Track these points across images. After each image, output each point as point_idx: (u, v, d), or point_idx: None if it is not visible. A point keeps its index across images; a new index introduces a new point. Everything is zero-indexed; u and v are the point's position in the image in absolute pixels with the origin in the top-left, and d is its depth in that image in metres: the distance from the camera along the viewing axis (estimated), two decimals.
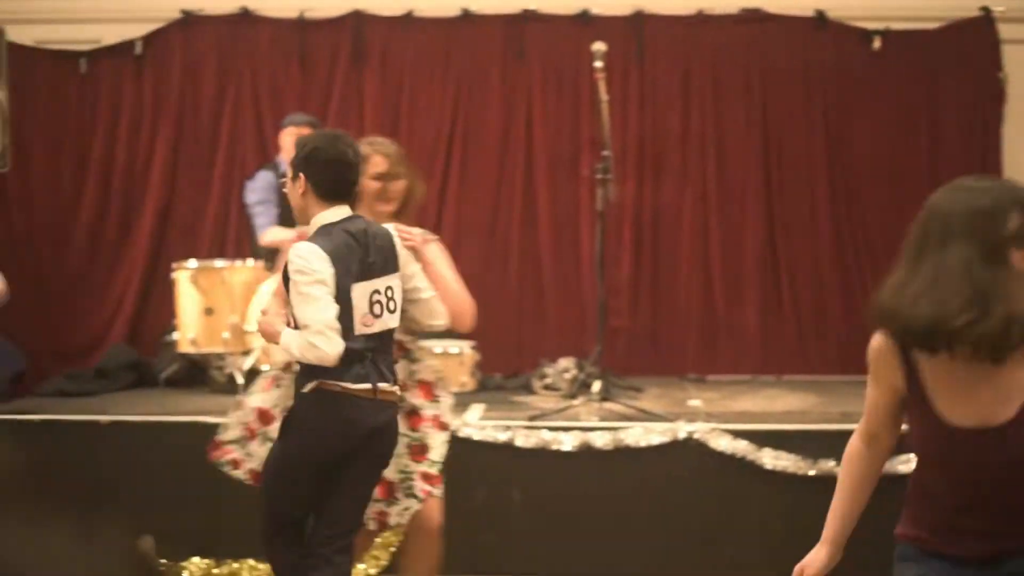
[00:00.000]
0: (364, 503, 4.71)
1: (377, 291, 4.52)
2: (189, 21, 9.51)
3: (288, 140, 7.99)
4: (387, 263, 4.61)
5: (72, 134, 9.54)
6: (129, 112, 9.52)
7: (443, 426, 5.02)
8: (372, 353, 4.51)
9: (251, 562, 6.49)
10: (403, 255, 4.74)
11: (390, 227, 4.75)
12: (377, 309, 4.51)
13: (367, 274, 4.49)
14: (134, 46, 9.49)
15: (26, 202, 9.48)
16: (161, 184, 9.48)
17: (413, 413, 4.95)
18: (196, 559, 6.55)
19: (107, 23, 9.48)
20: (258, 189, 8.18)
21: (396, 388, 4.62)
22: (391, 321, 4.59)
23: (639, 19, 9.38)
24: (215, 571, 6.53)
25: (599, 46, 7.51)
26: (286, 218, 7.93)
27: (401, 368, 4.81)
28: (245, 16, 9.49)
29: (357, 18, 9.46)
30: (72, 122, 9.54)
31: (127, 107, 9.53)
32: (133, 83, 9.54)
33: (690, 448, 6.50)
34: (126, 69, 9.53)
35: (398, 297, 4.63)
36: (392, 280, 4.61)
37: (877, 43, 9.35)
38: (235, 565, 6.51)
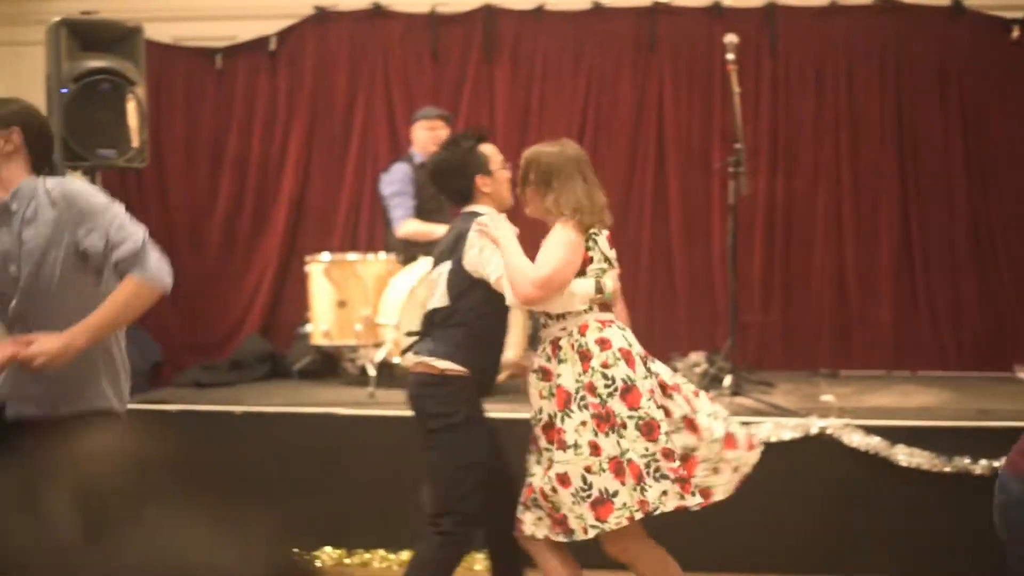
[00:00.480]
0: None
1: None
2: (322, 17, 9.62)
3: (421, 134, 8.04)
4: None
5: (208, 130, 9.70)
6: (263, 107, 9.67)
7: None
8: None
9: (382, 552, 6.55)
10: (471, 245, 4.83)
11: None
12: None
13: None
14: (268, 42, 9.62)
15: (163, 197, 9.68)
16: (295, 178, 9.61)
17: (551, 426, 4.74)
18: (328, 548, 6.63)
19: (242, 20, 9.62)
20: (394, 181, 8.23)
21: None
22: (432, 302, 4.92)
23: (771, 10, 9.29)
24: (347, 561, 6.60)
25: (731, 38, 7.45)
26: (422, 210, 7.98)
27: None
28: (377, 11, 9.57)
29: (488, 12, 9.50)
30: (208, 118, 9.70)
31: (262, 103, 9.67)
32: (267, 79, 9.68)
33: (822, 444, 6.43)
34: (261, 65, 9.68)
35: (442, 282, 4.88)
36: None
37: (1015, 32, 9.15)
38: (366, 555, 6.57)
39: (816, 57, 9.34)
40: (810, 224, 9.33)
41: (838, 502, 6.42)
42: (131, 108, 7.25)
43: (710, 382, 7.61)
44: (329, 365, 8.46)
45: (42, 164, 4.50)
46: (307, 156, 9.65)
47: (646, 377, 4.64)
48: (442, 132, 7.90)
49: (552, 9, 9.47)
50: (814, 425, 6.45)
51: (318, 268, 8.14)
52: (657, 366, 4.77)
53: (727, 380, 7.28)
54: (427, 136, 7.97)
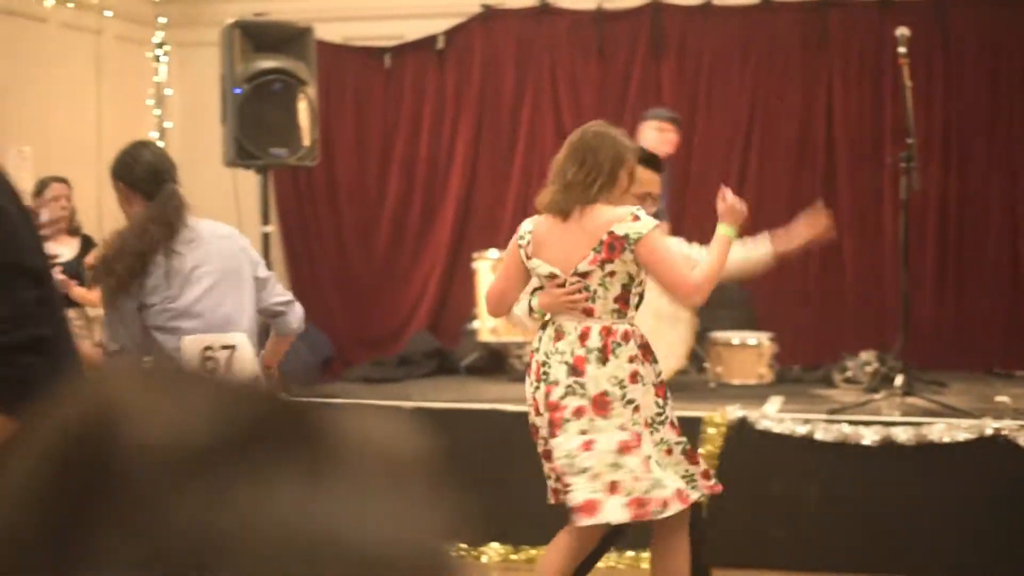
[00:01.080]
0: None
1: None
2: (489, 15, 9.67)
3: (650, 134, 7.81)
4: None
5: (377, 128, 9.82)
6: (431, 106, 9.75)
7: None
8: None
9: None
10: None
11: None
12: None
13: None
14: (436, 41, 9.71)
15: (333, 194, 9.83)
16: (462, 176, 9.68)
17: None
18: (495, 544, 6.66)
19: (410, 19, 9.72)
20: None
21: None
22: None
23: (943, 3, 9.09)
24: (512, 557, 6.63)
25: (903, 31, 7.30)
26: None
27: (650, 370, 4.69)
28: (544, 9, 9.59)
29: (655, 8, 9.45)
30: (377, 116, 9.82)
31: (429, 101, 9.76)
32: (435, 77, 9.76)
33: (997, 446, 6.27)
34: (429, 63, 9.77)
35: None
36: None
37: None
38: (532, 552, 6.59)
39: (989, 49, 9.12)
40: (983, 219, 9.11)
41: (1013, 505, 6.26)
42: (302, 107, 7.39)
43: (881, 381, 7.48)
44: (496, 361, 8.50)
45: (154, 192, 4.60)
46: (474, 154, 9.71)
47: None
48: (671, 135, 7.81)
49: (720, 4, 9.39)
50: (989, 426, 6.30)
51: (486, 265, 8.19)
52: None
53: (899, 380, 7.14)
54: (656, 137, 7.80)
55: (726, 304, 7.85)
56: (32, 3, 8.83)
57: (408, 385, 8.09)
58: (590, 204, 4.49)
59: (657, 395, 4.58)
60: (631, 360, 4.49)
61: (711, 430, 6.38)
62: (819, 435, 6.39)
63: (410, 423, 0.74)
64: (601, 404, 4.44)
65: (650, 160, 4.94)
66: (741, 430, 6.41)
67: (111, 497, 0.63)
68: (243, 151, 7.27)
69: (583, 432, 4.46)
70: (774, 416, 6.58)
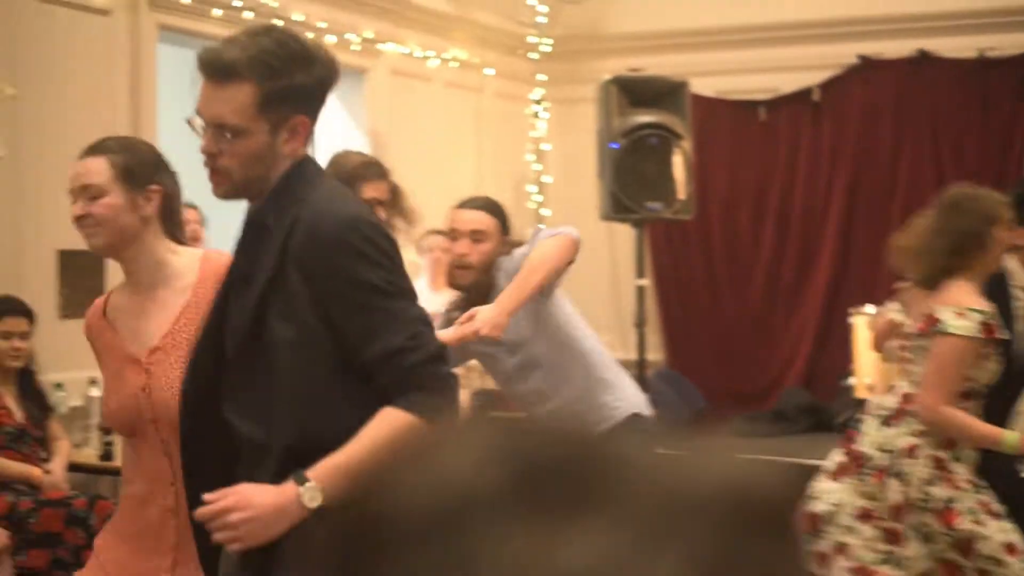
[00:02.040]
0: None
1: None
2: (866, 66, 9.49)
3: None
4: None
5: (751, 180, 9.77)
6: (807, 157, 9.64)
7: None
8: None
9: None
10: None
11: None
12: None
13: None
14: (811, 92, 9.59)
15: (707, 247, 9.82)
16: (838, 228, 9.51)
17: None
18: None
19: (785, 72, 9.64)
20: None
21: None
22: None
23: None
24: None
25: None
26: None
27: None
28: (923, 58, 9.34)
29: None
30: (751, 169, 9.77)
31: (805, 153, 9.65)
32: (811, 129, 9.65)
33: None
34: (803, 116, 9.66)
35: None
36: None
37: None
38: None
39: None
40: None
41: None
42: (678, 161, 7.42)
43: None
44: None
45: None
46: (850, 206, 9.53)
47: None
48: None
49: None
50: None
51: (862, 320, 8.00)
52: None
53: None
54: None
55: None
56: (419, 64, 9.21)
57: (782, 441, 7.96)
58: (950, 278, 4.36)
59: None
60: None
61: None
62: None
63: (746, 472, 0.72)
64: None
65: None
66: None
67: (382, 541, 0.66)
68: (619, 205, 7.35)
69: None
70: None
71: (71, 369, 6.22)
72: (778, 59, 9.66)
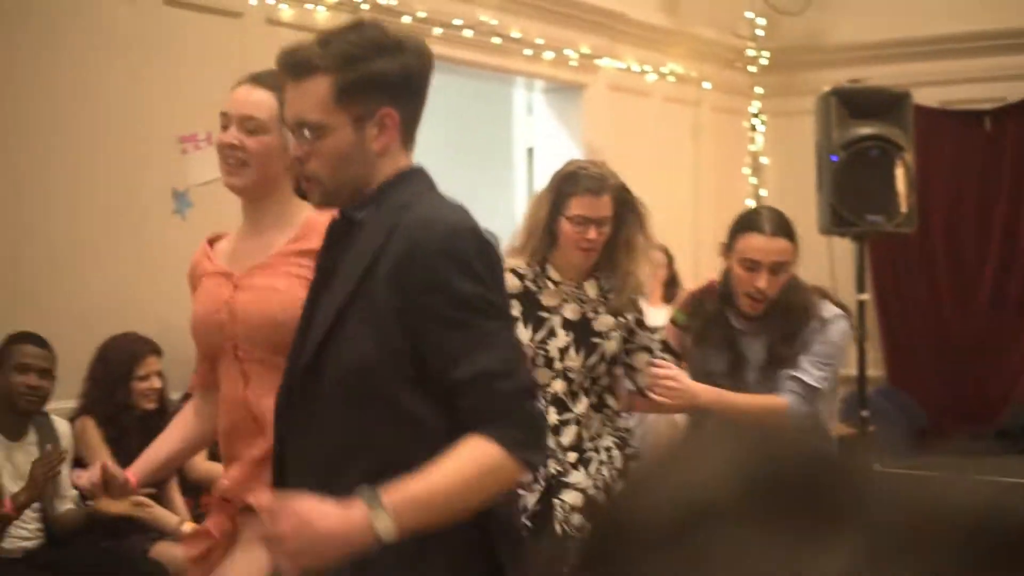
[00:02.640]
0: None
1: None
2: None
3: None
4: None
5: (974, 193, 9.53)
6: None
7: None
8: None
9: None
10: None
11: None
12: None
13: None
14: None
15: (929, 261, 9.60)
16: None
17: None
18: None
19: (1012, 80, 9.39)
20: None
21: None
22: None
23: None
24: None
25: None
26: None
27: None
28: None
29: None
30: (975, 181, 9.53)
31: None
32: None
33: None
34: None
35: None
36: None
37: None
38: None
39: None
40: None
41: None
42: (899, 174, 7.28)
43: None
44: None
45: None
46: None
47: None
48: None
49: None
50: None
51: None
52: None
53: None
54: None
55: None
56: (637, 79, 9.23)
57: (1007, 460, 7.74)
58: None
59: None
60: None
61: None
62: None
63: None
64: None
65: None
66: None
67: (622, 550, 0.67)
68: (839, 218, 7.24)
69: None
70: None
71: None
72: (1005, 67, 9.40)
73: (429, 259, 2.46)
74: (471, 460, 2.38)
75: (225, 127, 3.10)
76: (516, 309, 4.02)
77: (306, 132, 2.54)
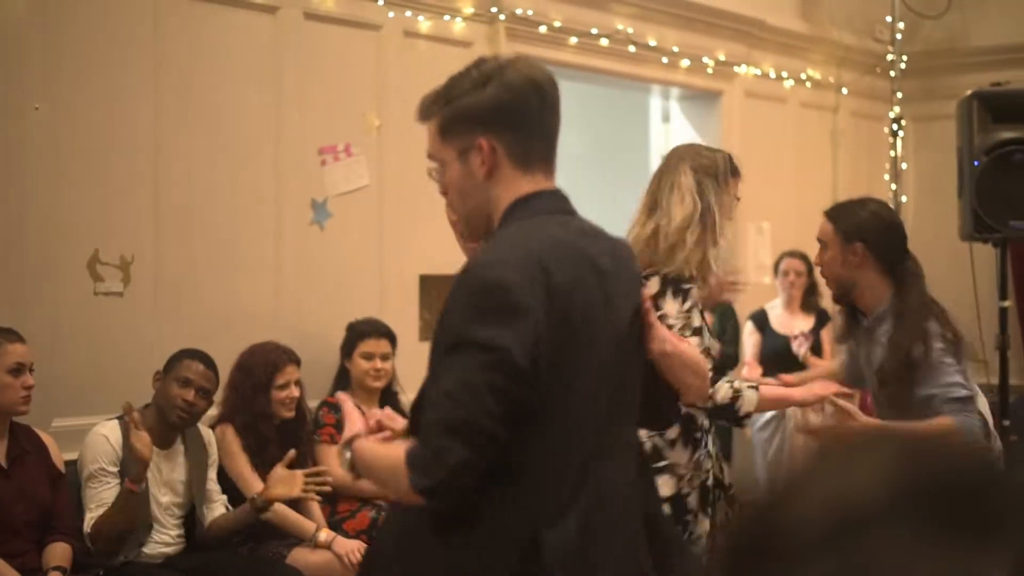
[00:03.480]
0: None
1: None
2: None
3: None
4: None
5: None
6: None
7: None
8: None
9: None
10: None
11: None
12: None
13: None
14: None
15: None
16: None
17: None
18: None
19: None
20: None
21: None
22: None
23: None
24: None
25: None
26: None
27: None
28: None
29: None
30: None
31: None
32: None
33: None
34: None
35: None
36: None
37: None
38: None
39: None
40: None
41: None
42: None
43: None
44: None
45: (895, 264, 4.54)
46: None
47: None
48: None
49: None
50: None
51: None
52: None
53: None
54: None
55: None
56: (774, 85, 9.16)
57: None
58: None
59: None
60: None
61: None
62: None
63: None
64: None
65: None
66: None
67: (777, 551, 0.66)
68: (981, 224, 7.10)
69: None
70: None
71: None
72: None
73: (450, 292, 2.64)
74: (396, 455, 2.55)
75: None
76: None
77: (435, 170, 2.79)
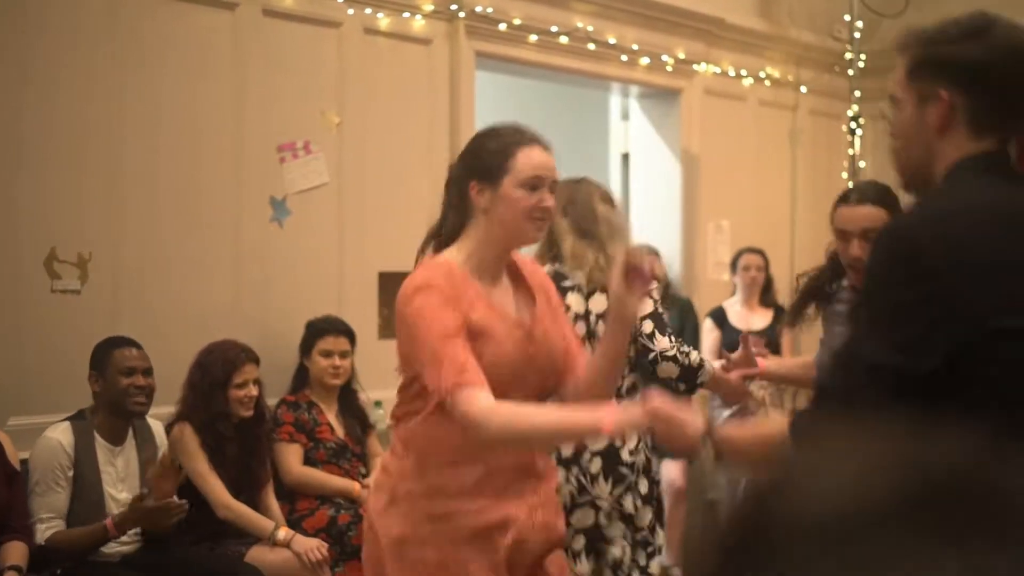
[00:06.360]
0: None
1: None
2: None
3: None
4: None
5: None
6: None
7: None
8: None
9: None
10: None
11: None
12: None
13: None
14: None
15: None
16: None
17: None
18: None
19: None
20: None
21: None
22: None
23: None
24: None
25: None
26: None
27: None
28: None
29: None
30: None
31: None
32: None
33: None
34: None
35: None
36: None
37: None
38: None
39: None
40: None
41: None
42: None
43: None
44: None
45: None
46: None
47: None
48: None
49: None
50: None
51: None
52: None
53: None
54: None
55: None
56: (733, 83, 9.19)
57: None
58: None
59: None
60: None
61: None
62: None
63: None
64: None
65: None
66: None
67: (775, 545, 0.67)
68: None
69: None
70: None
71: (391, 387, 6.43)
72: None
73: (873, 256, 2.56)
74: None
75: (535, 188, 3.36)
76: None
77: (891, 107, 2.66)
